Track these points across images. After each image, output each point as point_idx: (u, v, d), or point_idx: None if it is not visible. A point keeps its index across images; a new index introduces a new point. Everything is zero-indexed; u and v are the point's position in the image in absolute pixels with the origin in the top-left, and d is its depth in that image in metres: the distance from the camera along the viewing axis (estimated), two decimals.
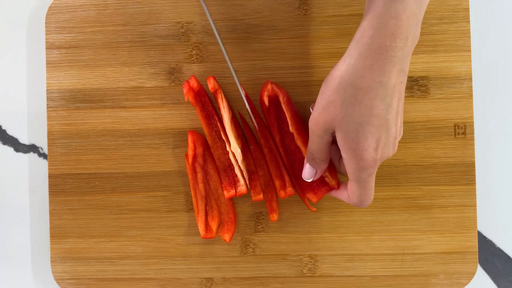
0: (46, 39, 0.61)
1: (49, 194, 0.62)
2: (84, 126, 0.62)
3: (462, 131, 0.59)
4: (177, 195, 0.61)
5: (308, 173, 0.52)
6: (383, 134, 0.45)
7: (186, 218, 0.61)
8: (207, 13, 0.55)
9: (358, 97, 0.44)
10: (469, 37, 0.59)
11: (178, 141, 0.61)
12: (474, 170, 0.59)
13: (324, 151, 0.50)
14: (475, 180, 0.59)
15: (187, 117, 0.61)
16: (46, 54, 0.61)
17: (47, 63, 0.61)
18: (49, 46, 0.62)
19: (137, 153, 0.61)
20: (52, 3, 0.62)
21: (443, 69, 0.59)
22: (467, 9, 0.59)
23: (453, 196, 0.59)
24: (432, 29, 0.59)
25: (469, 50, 0.59)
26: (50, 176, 0.62)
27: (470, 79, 0.59)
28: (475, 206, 0.59)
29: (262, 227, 0.61)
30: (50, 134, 0.62)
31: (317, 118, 0.47)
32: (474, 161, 0.59)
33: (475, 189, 0.59)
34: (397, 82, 0.44)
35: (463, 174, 0.59)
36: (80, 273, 0.62)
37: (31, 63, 0.64)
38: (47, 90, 0.62)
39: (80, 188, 0.62)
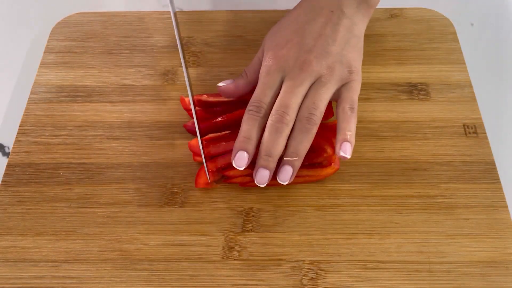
0: (46, 45, 0.55)
1: (1, 185, 0.46)
2: (63, 118, 0.50)
3: (473, 130, 0.49)
4: (153, 188, 0.46)
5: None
6: (294, 37, 0.44)
7: (160, 214, 0.45)
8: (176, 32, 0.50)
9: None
10: (461, 53, 0.54)
11: (163, 133, 0.49)
12: (495, 168, 0.46)
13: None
14: (499, 179, 0.46)
15: (176, 112, 0.50)
16: (42, 57, 0.54)
17: (40, 64, 0.54)
18: (48, 51, 0.55)
19: (115, 144, 0.49)
20: (61, 20, 0.58)
21: (441, 77, 0.52)
22: (454, 33, 0.55)
23: (477, 196, 0.45)
24: (423, 46, 0.54)
25: (464, 63, 0.53)
26: (8, 165, 0.47)
27: (470, 85, 0.52)
28: (507, 207, 0.44)
29: (252, 226, 0.44)
30: (22, 125, 0.50)
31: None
32: (493, 159, 0.47)
33: (501, 188, 0.45)
34: (326, 5, 0.45)
35: (484, 172, 0.46)
36: (9, 279, 0.42)
37: (25, 67, 0.56)
38: (33, 85, 0.52)
39: (40, 179, 0.47)
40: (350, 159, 0.45)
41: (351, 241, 0.43)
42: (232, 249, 0.42)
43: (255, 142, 0.42)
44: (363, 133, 0.48)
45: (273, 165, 0.42)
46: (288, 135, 0.42)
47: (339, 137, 0.42)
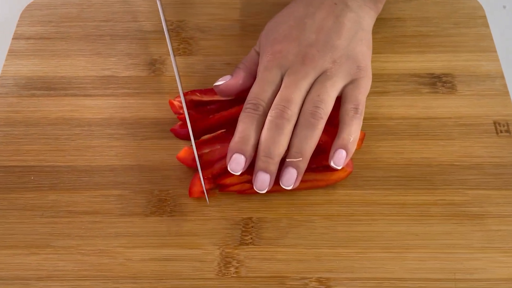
0: (15, 31, 0.55)
1: None
2: (35, 114, 0.50)
3: (505, 128, 0.48)
4: (138, 194, 0.46)
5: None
6: (293, 32, 0.45)
7: (145, 224, 0.45)
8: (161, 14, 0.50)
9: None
10: (492, 39, 0.54)
11: (149, 132, 0.49)
12: None
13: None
14: None
15: (164, 107, 0.50)
16: (11, 44, 0.54)
17: (8, 52, 0.54)
18: (17, 37, 0.55)
19: (94, 144, 0.48)
20: (31, 1, 0.57)
21: (469, 67, 0.52)
22: (483, 16, 0.55)
23: (510, 203, 0.45)
24: (448, 32, 0.54)
25: (495, 51, 0.53)
26: None
27: (502, 77, 0.51)
28: None
29: (251, 238, 0.44)
30: None
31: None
32: None
33: None
34: None
35: None
36: None
37: None
38: (0, 76, 0.52)
39: (8, 184, 0.47)
40: (364, 161, 0.45)
41: (365, 256, 0.43)
42: (228, 265, 0.42)
43: (253, 143, 0.42)
44: (379, 131, 0.48)
45: (274, 167, 0.42)
46: (290, 133, 0.42)
47: (336, 142, 0.43)
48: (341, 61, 0.44)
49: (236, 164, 0.42)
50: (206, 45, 0.54)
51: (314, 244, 0.43)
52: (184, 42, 0.54)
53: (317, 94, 0.43)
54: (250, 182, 0.44)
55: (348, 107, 0.43)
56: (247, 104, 0.43)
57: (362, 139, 0.46)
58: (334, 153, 0.42)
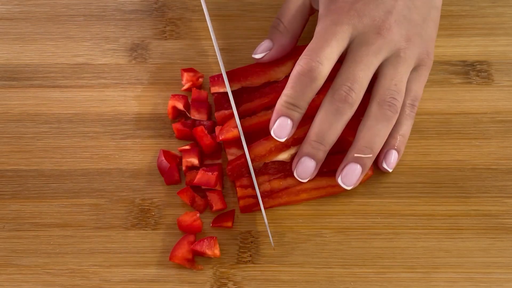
0: None
1: None
2: None
3: None
4: (116, 204, 0.46)
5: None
6: None
7: (125, 239, 0.45)
8: None
9: None
10: None
11: (129, 130, 0.49)
12: None
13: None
14: None
15: (147, 100, 0.51)
16: None
17: None
18: None
19: (64, 145, 0.49)
20: None
21: (508, 54, 0.53)
22: None
23: None
24: (483, 11, 0.55)
25: None
26: None
27: None
28: None
29: (250, 255, 0.44)
30: None
31: None
32: None
33: None
34: None
35: None
36: None
37: None
38: None
39: None
40: None
41: (386, 277, 0.43)
42: (223, 287, 0.42)
43: (302, 111, 0.43)
44: None
45: (323, 155, 0.43)
46: (349, 120, 0.43)
47: (390, 141, 0.44)
48: (415, 41, 0.44)
49: (282, 129, 0.43)
50: (197, 27, 0.54)
51: (325, 263, 0.43)
52: (171, 23, 0.55)
53: (394, 82, 0.43)
54: (254, 196, 0.44)
55: (405, 101, 0.44)
56: (301, 62, 0.42)
57: None
58: (386, 153, 0.43)
